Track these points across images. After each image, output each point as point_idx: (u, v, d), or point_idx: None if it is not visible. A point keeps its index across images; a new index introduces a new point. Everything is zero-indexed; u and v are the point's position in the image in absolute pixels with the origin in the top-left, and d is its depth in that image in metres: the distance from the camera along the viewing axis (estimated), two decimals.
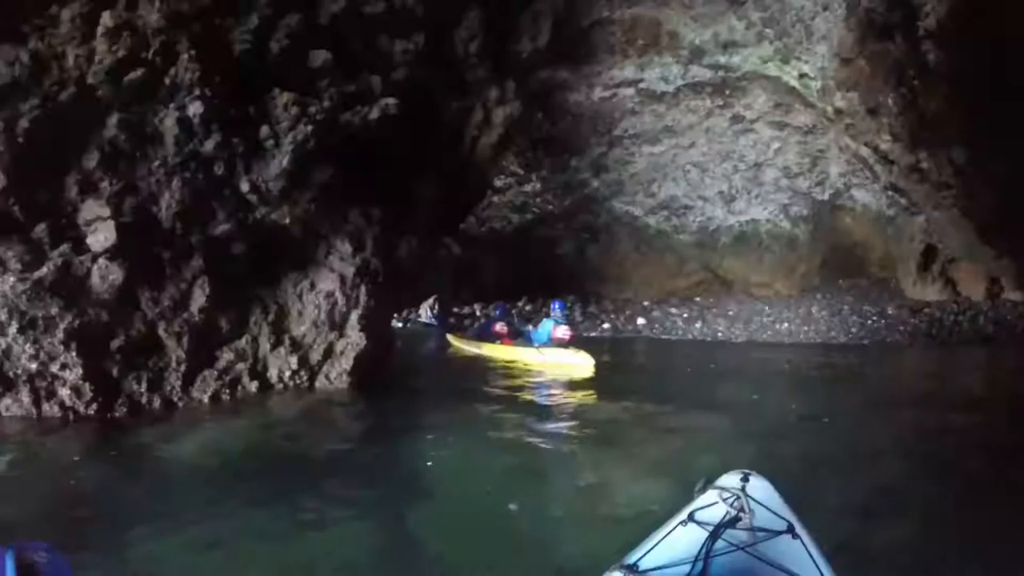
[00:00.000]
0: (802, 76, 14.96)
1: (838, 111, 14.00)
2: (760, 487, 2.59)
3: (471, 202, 12.87)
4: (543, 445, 6.41)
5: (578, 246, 21.76)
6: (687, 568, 2.07)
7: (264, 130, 7.78)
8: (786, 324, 18.78)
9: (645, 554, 2.21)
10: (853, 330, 17.62)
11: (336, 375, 8.45)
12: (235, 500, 4.70)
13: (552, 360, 11.51)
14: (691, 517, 2.37)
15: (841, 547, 3.18)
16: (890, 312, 18.31)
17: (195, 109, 7.25)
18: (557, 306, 12.25)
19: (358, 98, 8.79)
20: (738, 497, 2.44)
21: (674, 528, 2.33)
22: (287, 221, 8.04)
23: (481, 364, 12.58)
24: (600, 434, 6.79)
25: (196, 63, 7.29)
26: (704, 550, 2.14)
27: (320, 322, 8.50)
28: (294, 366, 8.19)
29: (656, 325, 19.61)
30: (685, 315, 20.17)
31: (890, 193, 16.38)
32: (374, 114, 8.72)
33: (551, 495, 4.99)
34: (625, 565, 2.13)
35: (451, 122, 10.67)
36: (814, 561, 2.15)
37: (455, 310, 21.35)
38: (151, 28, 7.23)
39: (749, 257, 20.95)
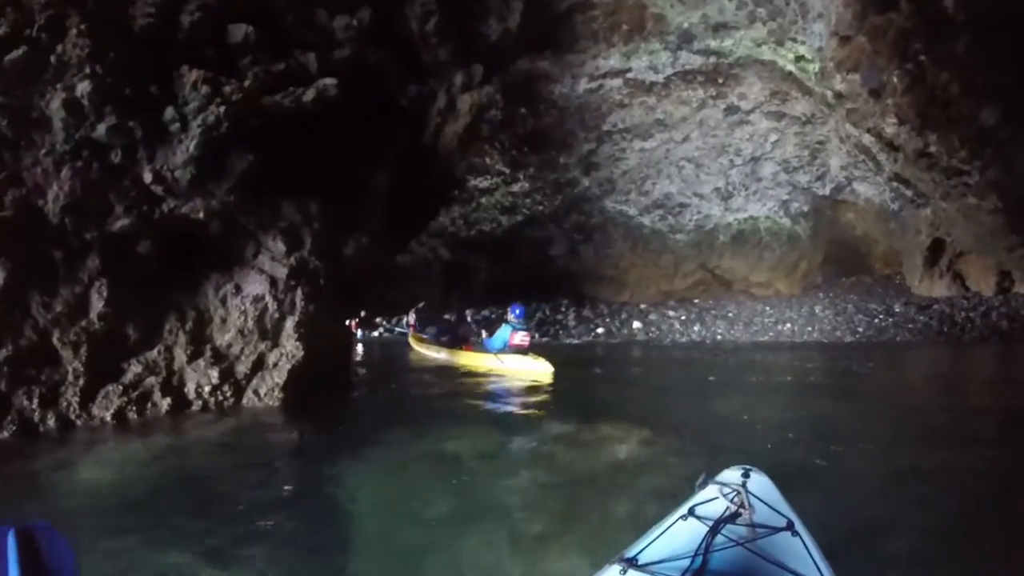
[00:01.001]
0: (799, 59, 13.88)
1: (838, 95, 12.92)
2: (761, 483, 2.57)
3: (439, 197, 11.89)
4: (481, 487, 5.17)
5: (571, 247, 20.91)
6: (686, 562, 2.06)
7: (169, 112, 6.86)
8: (789, 324, 17.89)
9: (645, 547, 2.19)
10: (860, 329, 16.69)
11: (267, 391, 7.46)
12: (131, 538, 3.90)
13: (511, 367, 10.91)
14: (691, 511, 2.37)
15: None
16: (897, 309, 17.44)
17: (84, 89, 6.35)
18: (516, 311, 11.47)
19: (291, 78, 7.87)
20: (739, 493, 2.42)
21: (674, 522, 2.33)
22: (201, 215, 7.08)
23: (440, 371, 11.88)
24: (551, 475, 5.28)
25: (86, 38, 6.39)
26: (704, 544, 2.14)
27: (248, 330, 7.53)
28: (215, 380, 7.21)
29: (653, 328, 18.78)
30: (683, 317, 19.34)
31: (895, 184, 15.30)
32: (309, 96, 7.80)
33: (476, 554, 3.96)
34: (625, 558, 2.10)
35: (409, 108, 9.71)
36: (813, 559, 2.13)
37: (445, 316, 20.59)
38: (37, 2, 6.35)
39: (748, 256, 20.10)
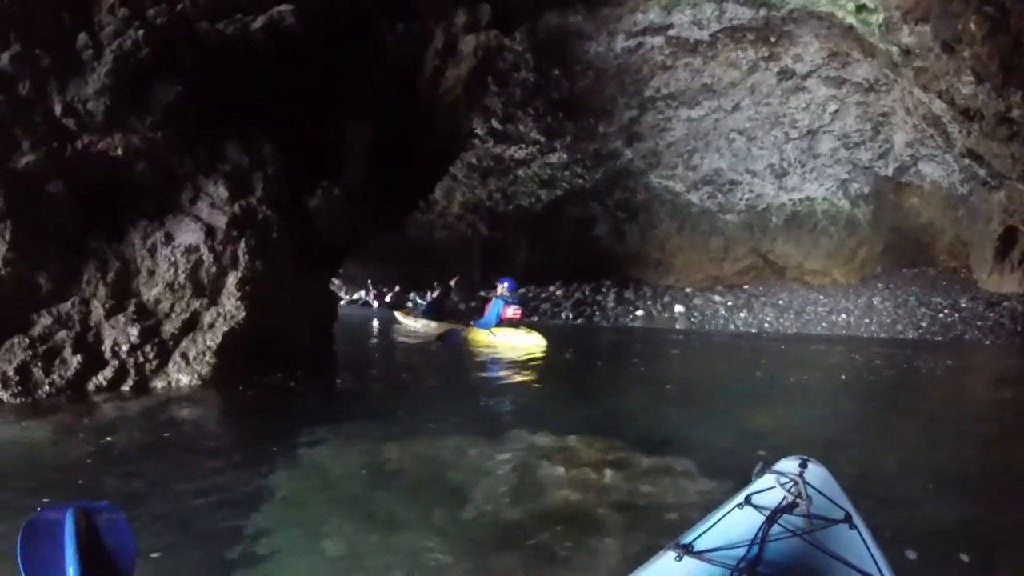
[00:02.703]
0: (860, 9, 12.10)
1: (906, 52, 11.16)
2: (818, 474, 2.45)
3: (444, 154, 10.74)
4: (409, 525, 3.67)
5: (615, 227, 19.71)
6: (742, 551, 1.94)
7: (82, 38, 6.04)
8: (844, 316, 16.27)
9: (701, 534, 2.09)
10: (923, 324, 14.97)
11: (197, 354, 6.58)
12: None
13: (504, 341, 10.67)
14: (748, 500, 2.25)
15: None
16: (963, 305, 15.74)
17: None
18: (507, 284, 11.33)
19: (240, 6, 6.92)
20: (796, 483, 2.29)
21: (730, 510, 2.21)
22: (119, 152, 6.22)
23: (421, 347, 11.34)
24: (501, 511, 3.63)
25: None
26: (760, 534, 2.02)
27: (178, 285, 6.69)
28: (135, 339, 6.36)
29: (695, 314, 17.45)
30: (729, 303, 17.95)
31: (966, 163, 13.39)
32: (258, 24, 6.83)
33: None
34: (681, 544, 2.00)
35: (395, 49, 8.62)
36: (871, 553, 2.05)
37: (481, 294, 19.80)
38: None
39: (803, 241, 18.49)
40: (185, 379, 6.51)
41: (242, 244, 6.87)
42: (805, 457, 2.55)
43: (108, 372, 6.35)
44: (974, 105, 10.75)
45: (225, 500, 3.74)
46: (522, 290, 19.33)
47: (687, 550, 2.00)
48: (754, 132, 17.06)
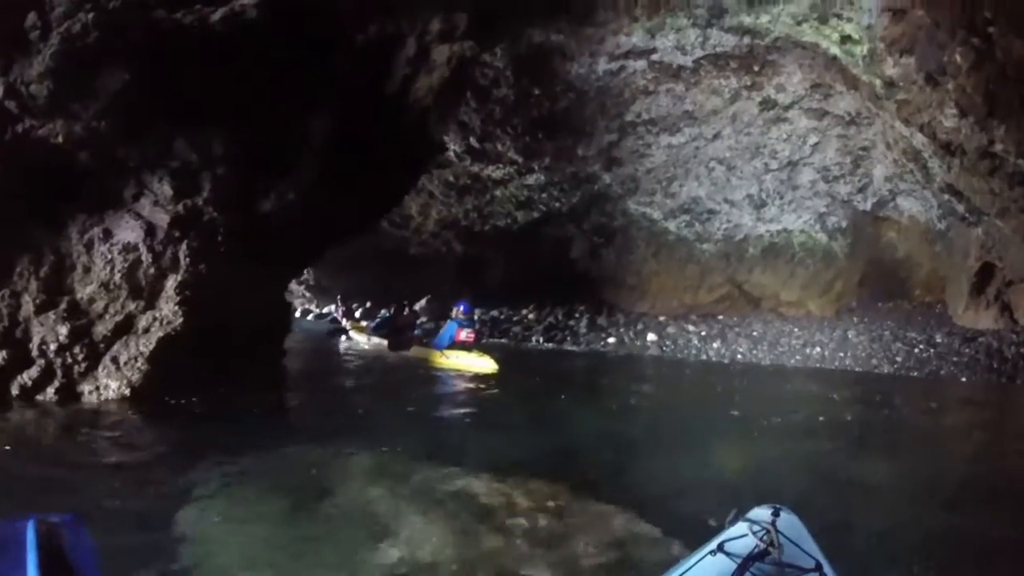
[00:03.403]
0: (844, 40, 12.04)
1: (889, 84, 11.11)
2: (791, 523, 2.53)
3: (412, 162, 10.42)
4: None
5: (591, 250, 19.44)
6: None
7: (30, 18, 5.71)
8: (819, 348, 16.13)
9: None
10: (898, 359, 14.84)
11: (128, 359, 6.18)
12: None
13: (454, 362, 10.85)
14: (720, 547, 2.32)
15: None
16: (939, 340, 15.58)
17: None
18: (462, 307, 11.44)
19: None
20: (768, 531, 2.36)
21: (703, 557, 2.30)
22: (60, 139, 5.87)
23: (373, 366, 11.18)
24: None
25: None
26: None
27: (113, 285, 6.30)
28: (64, 338, 5.96)
29: (668, 343, 17.24)
30: (703, 333, 17.77)
31: (945, 198, 13.34)
32: (218, 16, 6.53)
33: None
34: None
35: (364, 50, 8.34)
36: None
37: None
38: None
39: (780, 271, 18.34)
40: (114, 385, 6.12)
41: (184, 246, 6.50)
42: (778, 505, 2.59)
43: (34, 372, 5.98)
44: (956, 139, 10.69)
45: (127, 527, 3.38)
46: (482, 312, 19.22)
47: None
48: (734, 161, 16.93)
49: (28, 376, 5.93)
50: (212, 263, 6.71)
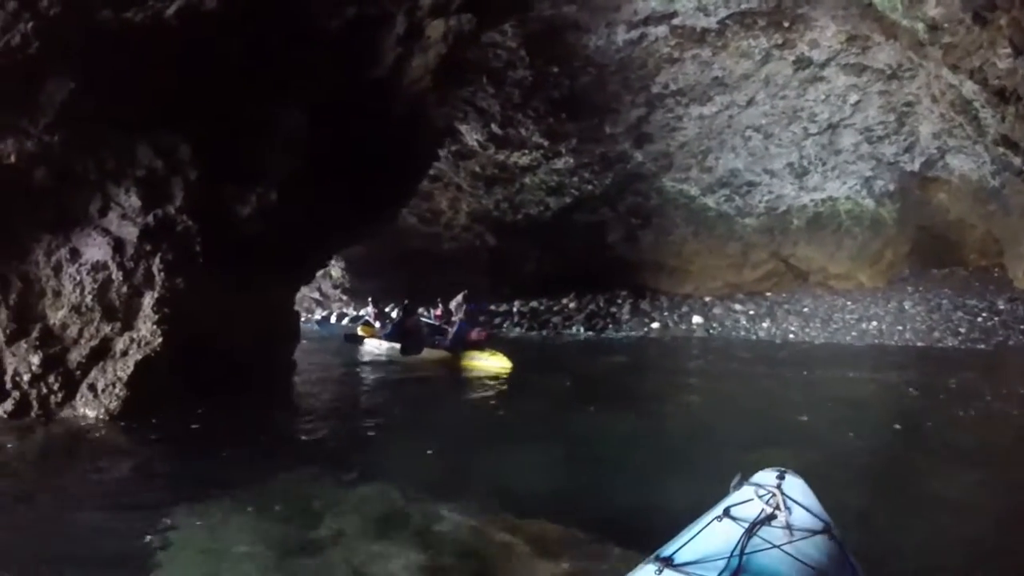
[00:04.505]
0: None
1: (932, 27, 10.03)
2: (796, 485, 2.50)
3: (414, 154, 9.84)
4: None
5: (628, 233, 18.75)
6: (722, 564, 2.00)
7: None
8: (875, 323, 15.15)
9: (680, 547, 2.12)
10: (962, 330, 13.82)
11: (105, 386, 5.82)
12: None
13: (469, 363, 10.79)
14: (727, 512, 2.30)
15: None
16: (1001, 307, 14.62)
17: None
18: (470, 307, 11.93)
19: None
20: (774, 495, 2.36)
21: (709, 522, 2.26)
22: (12, 159, 5.50)
23: (386, 377, 10.61)
24: None
25: None
26: (740, 546, 2.07)
27: (85, 307, 5.95)
28: (36, 368, 5.64)
29: (715, 324, 16.54)
30: (751, 312, 16.98)
31: (1000, 151, 12.05)
32: (172, 10, 6.08)
33: None
34: (661, 557, 2.05)
35: (341, 36, 7.79)
36: (851, 563, 2.12)
37: (491, 307, 19.03)
38: None
39: (826, 243, 17.43)
40: (92, 414, 5.77)
41: (157, 260, 6.13)
42: (783, 468, 2.58)
43: (8, 405, 5.67)
44: (1010, 83, 9.56)
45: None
46: (521, 304, 18.65)
47: (667, 563, 2.03)
48: (771, 128, 15.96)
49: (3, 409, 5.65)
50: (190, 276, 6.32)
